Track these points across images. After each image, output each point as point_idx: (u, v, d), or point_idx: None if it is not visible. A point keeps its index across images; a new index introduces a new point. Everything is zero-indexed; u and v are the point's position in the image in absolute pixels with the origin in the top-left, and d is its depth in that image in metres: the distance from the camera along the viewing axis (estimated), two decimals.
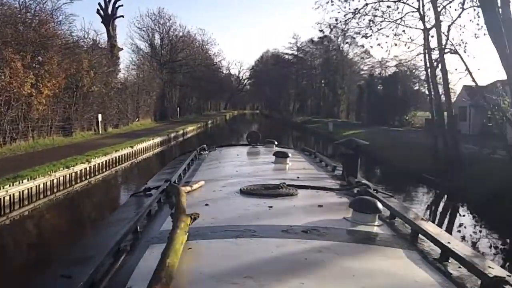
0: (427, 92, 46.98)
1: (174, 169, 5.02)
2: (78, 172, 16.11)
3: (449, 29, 16.64)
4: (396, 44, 18.65)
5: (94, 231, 4.04)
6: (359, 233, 2.64)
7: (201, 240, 2.38)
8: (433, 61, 17.67)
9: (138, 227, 2.67)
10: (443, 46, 16.64)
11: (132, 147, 22.69)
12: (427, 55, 17.99)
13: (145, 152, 25.35)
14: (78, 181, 16.09)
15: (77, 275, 1.93)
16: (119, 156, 20.67)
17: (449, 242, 2.44)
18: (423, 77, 47.16)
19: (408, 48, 18.37)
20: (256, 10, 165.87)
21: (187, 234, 2.30)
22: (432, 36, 18.22)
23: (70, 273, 2.13)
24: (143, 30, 56.93)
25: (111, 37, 43.71)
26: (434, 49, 17.33)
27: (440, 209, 15.10)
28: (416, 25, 18.46)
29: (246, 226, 2.60)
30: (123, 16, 49.16)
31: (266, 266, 2.05)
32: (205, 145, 7.13)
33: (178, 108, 59.72)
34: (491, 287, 1.88)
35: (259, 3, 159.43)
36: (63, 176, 14.96)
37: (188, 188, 3.62)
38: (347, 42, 33.50)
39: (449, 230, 11.01)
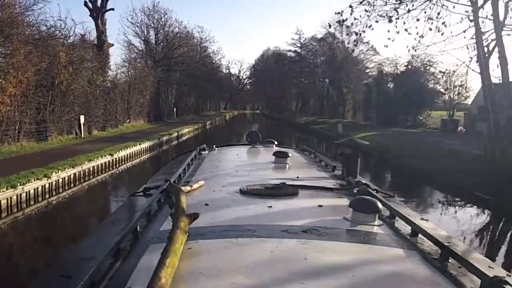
0: (442, 90, 44.17)
1: (173, 169, 4.90)
2: (32, 192, 12.53)
3: (507, 6, 13.04)
4: (430, 29, 14.98)
5: (94, 231, 3.62)
6: (359, 233, 2.61)
7: (201, 240, 2.38)
8: (486, 45, 14.02)
9: (138, 227, 2.64)
10: (501, 24, 13.00)
11: (111, 154, 19.05)
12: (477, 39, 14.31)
13: (130, 160, 21.73)
14: (32, 202, 12.52)
15: (77, 275, 1.90)
16: (93, 167, 17.05)
17: (449, 242, 2.42)
18: (438, 74, 43.75)
19: (442, 34, 14.58)
20: (256, 8, 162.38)
21: (187, 234, 2.29)
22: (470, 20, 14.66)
23: (70, 273, 2.10)
24: (137, 26, 53.25)
25: (101, 31, 40.20)
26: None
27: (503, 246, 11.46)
28: (454, 6, 14.86)
29: (246, 226, 2.59)
30: (113, 9, 45.86)
31: (266, 266, 2.04)
32: (205, 145, 7.00)
33: (174, 109, 56.11)
34: (491, 287, 1.86)
35: (258, 1, 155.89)
36: (7, 198, 11.40)
37: (188, 188, 3.60)
38: (354, 42, 29.84)
39: None
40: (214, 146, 7.23)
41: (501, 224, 12.88)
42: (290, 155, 5.46)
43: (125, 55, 43.79)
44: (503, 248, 11.02)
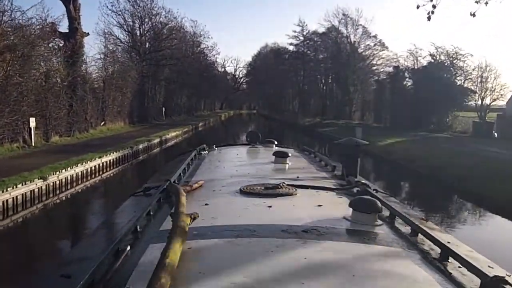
0: (472, 88, 38.01)
1: (173, 169, 4.86)
2: None
3: None
4: None
5: (94, 231, 3.67)
6: (359, 233, 2.59)
7: (200, 240, 2.35)
8: None
9: (138, 227, 2.65)
10: None
11: (45, 178, 12.69)
12: None
13: (82, 181, 15.43)
14: None
15: (77, 275, 1.90)
16: (4, 203, 10.74)
17: (449, 242, 2.40)
18: (469, 68, 37.63)
19: None
20: (252, 4, 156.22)
21: (187, 234, 2.27)
22: None
23: (70, 273, 2.09)
24: (119, 14, 46.75)
25: (73, 18, 33.98)
26: None
27: None
28: None
29: (245, 226, 2.57)
30: None
31: (266, 266, 2.02)
32: (204, 145, 6.89)
33: (163, 108, 49.81)
34: (490, 286, 1.84)
35: None
36: None
37: (188, 188, 3.57)
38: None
39: None
40: (214, 146, 7.16)
41: None
42: (290, 155, 5.45)
43: (104, 46, 37.37)
44: None
